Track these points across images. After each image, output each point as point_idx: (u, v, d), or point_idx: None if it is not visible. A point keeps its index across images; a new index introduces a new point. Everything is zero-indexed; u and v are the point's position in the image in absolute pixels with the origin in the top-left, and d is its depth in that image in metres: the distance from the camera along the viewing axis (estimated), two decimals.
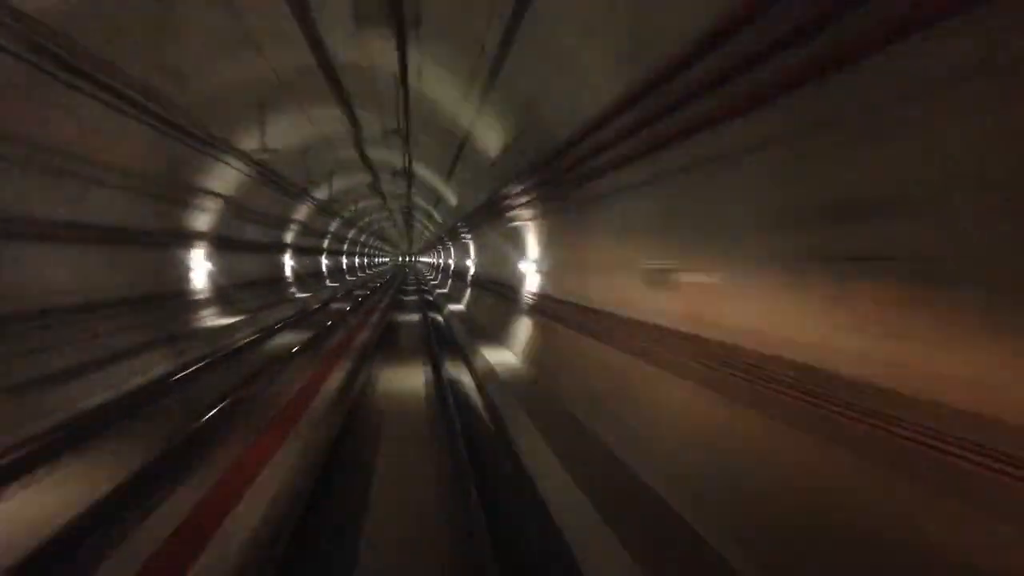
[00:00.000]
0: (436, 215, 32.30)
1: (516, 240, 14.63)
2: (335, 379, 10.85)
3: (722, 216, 5.25)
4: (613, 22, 5.86)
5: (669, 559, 4.24)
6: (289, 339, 16.63)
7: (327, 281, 38.67)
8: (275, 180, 17.45)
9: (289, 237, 27.50)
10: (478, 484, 6.30)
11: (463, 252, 28.95)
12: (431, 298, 31.96)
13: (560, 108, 8.15)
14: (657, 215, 6.62)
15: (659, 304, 6.52)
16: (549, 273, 12.11)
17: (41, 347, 9.01)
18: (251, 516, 5.25)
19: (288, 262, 28.49)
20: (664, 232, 6.48)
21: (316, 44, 8.05)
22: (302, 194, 21.78)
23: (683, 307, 5.96)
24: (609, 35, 6.05)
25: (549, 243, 11.98)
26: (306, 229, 29.40)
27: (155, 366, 11.44)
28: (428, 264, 57.08)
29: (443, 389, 10.23)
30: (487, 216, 15.89)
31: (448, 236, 30.36)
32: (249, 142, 14.30)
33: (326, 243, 38.14)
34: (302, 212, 26.33)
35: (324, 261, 39.23)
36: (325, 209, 27.82)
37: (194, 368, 11.77)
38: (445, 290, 34.21)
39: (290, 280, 28.54)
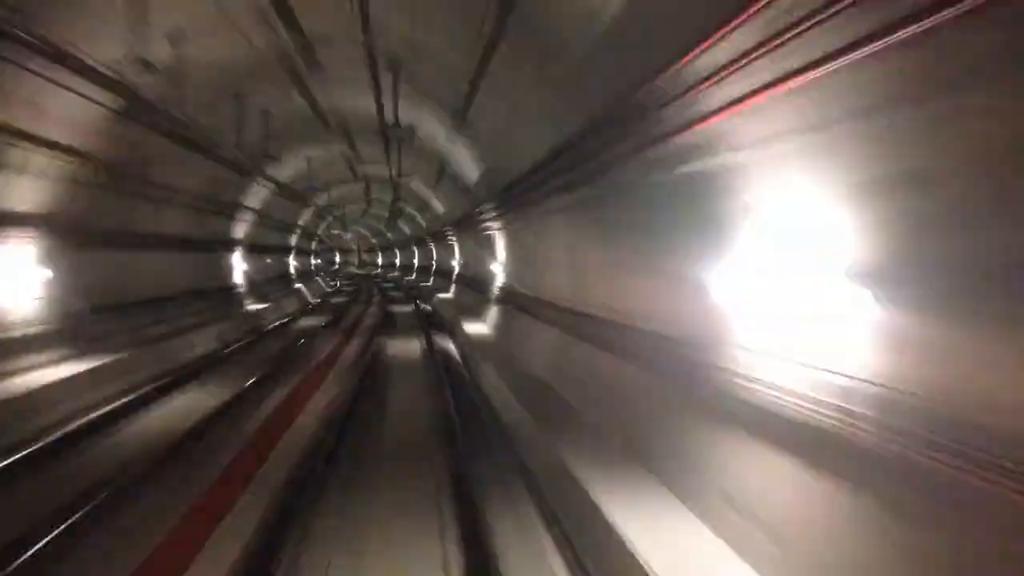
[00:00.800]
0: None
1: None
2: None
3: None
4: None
5: (465, 309, 20.25)
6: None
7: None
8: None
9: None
10: (424, 321, 22.23)
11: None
12: None
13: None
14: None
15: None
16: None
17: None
18: (373, 318, 21.13)
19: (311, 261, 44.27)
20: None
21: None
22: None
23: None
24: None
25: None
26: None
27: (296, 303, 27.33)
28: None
29: (418, 308, 26.23)
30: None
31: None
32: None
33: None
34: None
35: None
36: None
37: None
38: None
39: (305, 270, 44.33)
